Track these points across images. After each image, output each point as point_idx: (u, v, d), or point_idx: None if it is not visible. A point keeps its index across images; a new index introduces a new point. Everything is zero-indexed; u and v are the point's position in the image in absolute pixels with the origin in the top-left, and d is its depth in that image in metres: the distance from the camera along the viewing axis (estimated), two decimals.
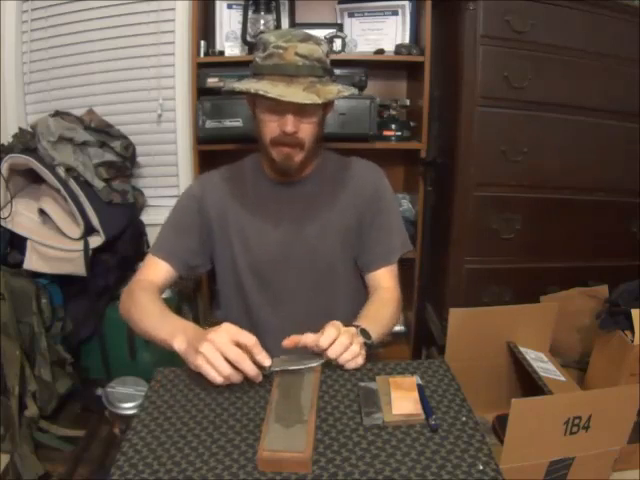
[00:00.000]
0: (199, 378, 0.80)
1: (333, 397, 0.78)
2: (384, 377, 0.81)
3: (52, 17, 1.89)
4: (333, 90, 0.99)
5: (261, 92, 0.94)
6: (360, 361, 0.85)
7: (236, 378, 0.77)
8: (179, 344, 0.82)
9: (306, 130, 1.02)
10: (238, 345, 0.77)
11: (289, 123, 0.98)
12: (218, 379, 0.76)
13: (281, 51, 0.96)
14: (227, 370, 0.76)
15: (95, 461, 1.42)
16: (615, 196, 1.71)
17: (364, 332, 0.91)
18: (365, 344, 0.88)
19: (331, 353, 0.81)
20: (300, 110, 0.98)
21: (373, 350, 0.95)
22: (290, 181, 1.13)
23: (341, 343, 0.82)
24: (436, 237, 1.79)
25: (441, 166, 1.72)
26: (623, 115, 1.64)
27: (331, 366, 0.83)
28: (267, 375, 0.79)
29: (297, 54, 0.96)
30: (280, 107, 0.97)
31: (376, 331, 0.94)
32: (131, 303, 1.00)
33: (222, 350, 0.76)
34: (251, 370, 0.77)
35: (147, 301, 0.98)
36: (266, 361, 0.78)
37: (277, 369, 0.78)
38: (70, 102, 1.94)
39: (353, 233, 1.14)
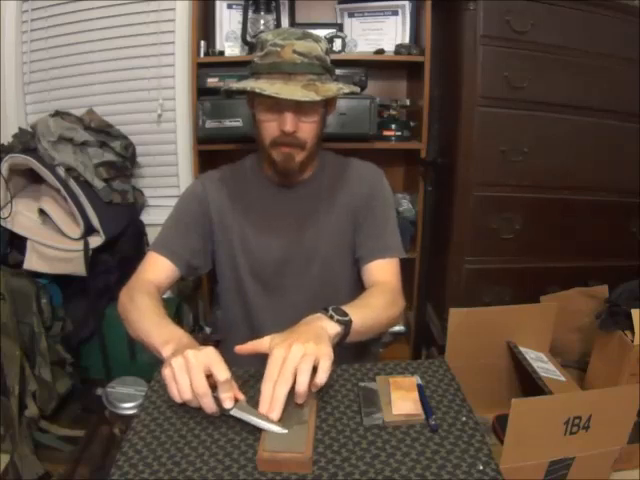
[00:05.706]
0: None
1: (333, 397, 0.78)
2: (384, 377, 0.81)
3: (52, 17, 1.90)
4: (333, 88, 0.97)
5: (257, 90, 0.92)
6: (324, 371, 0.71)
7: (195, 405, 0.72)
8: (167, 352, 0.78)
9: (306, 129, 1.00)
10: (210, 375, 0.71)
11: (288, 122, 0.96)
12: (177, 399, 0.72)
13: (278, 49, 0.94)
14: (188, 395, 0.70)
15: (95, 461, 1.42)
16: (615, 196, 1.71)
17: (337, 310, 0.83)
18: (339, 321, 0.81)
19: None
20: (299, 108, 0.96)
21: (358, 336, 0.87)
22: (290, 183, 1.12)
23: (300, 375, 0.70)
24: (436, 237, 1.79)
25: (441, 166, 1.72)
26: (623, 115, 1.64)
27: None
28: (225, 414, 0.73)
29: (295, 52, 0.93)
30: (279, 106, 0.96)
31: (362, 316, 0.87)
32: (130, 304, 0.96)
33: (190, 374, 0.70)
34: (209, 408, 0.71)
35: (146, 304, 0.94)
36: (227, 403, 0.70)
37: (236, 415, 0.71)
38: (70, 102, 1.94)
39: (350, 235, 1.13)
